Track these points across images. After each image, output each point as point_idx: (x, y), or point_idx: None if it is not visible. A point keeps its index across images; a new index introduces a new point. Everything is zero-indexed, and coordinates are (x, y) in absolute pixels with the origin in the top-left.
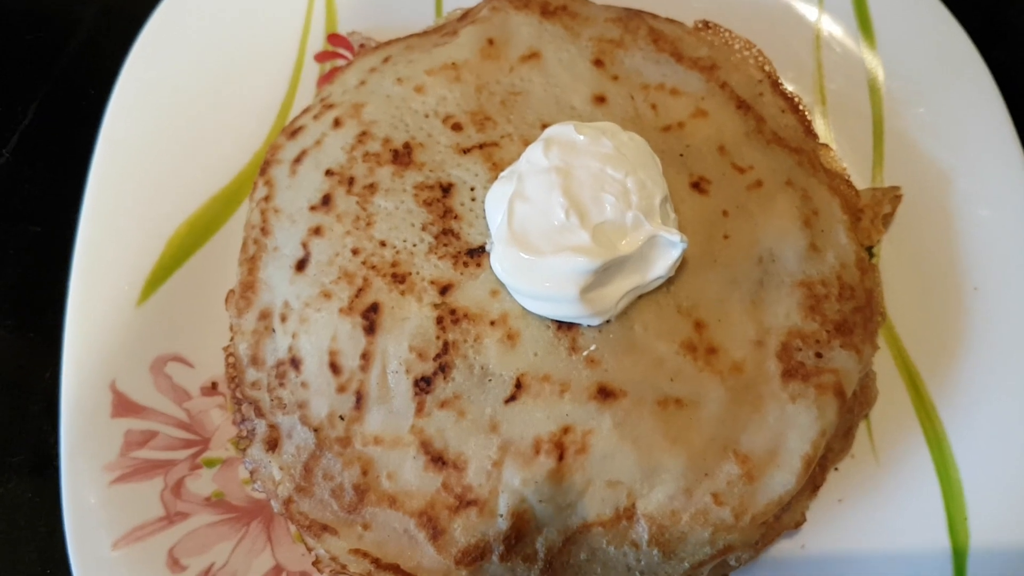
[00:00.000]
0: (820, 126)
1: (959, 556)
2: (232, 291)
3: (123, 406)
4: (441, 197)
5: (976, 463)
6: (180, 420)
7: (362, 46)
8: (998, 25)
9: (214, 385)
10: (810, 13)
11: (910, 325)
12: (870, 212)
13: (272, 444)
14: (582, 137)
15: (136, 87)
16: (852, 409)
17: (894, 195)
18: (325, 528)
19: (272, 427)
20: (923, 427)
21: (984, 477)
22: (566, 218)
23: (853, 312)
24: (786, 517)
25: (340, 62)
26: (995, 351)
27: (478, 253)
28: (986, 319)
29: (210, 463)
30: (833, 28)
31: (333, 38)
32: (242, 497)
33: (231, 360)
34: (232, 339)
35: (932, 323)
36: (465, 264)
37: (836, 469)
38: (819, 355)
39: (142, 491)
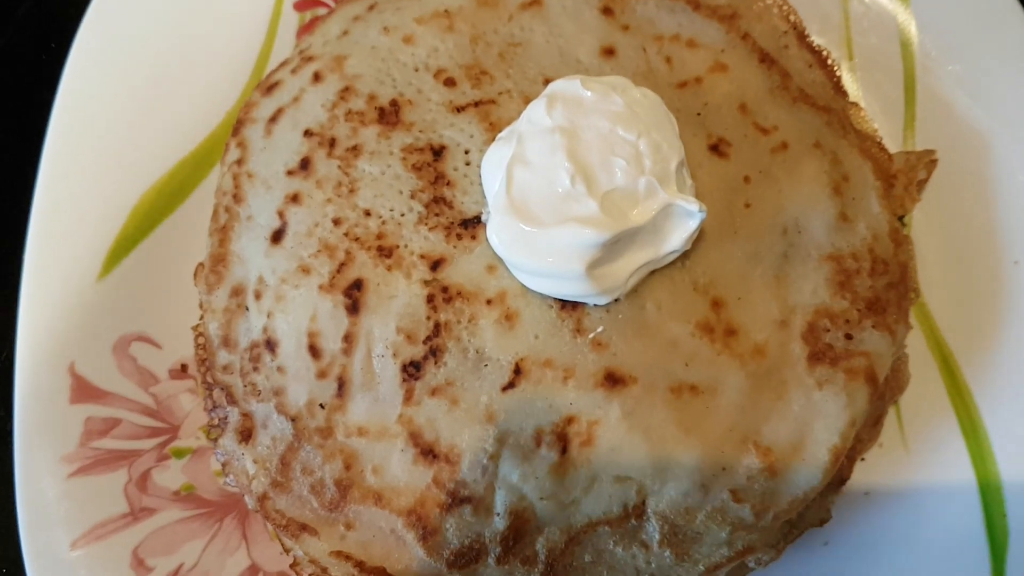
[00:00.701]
0: (847, 83)
1: (997, 556)
2: (201, 264)
3: (83, 391)
4: (432, 161)
5: (1015, 454)
6: (146, 406)
7: None
8: None
9: (183, 367)
10: None
11: (944, 302)
12: (904, 178)
13: (245, 434)
14: (589, 93)
15: (98, 38)
16: (883, 395)
17: (929, 159)
18: (304, 528)
19: (245, 416)
20: (957, 414)
21: None
22: (571, 185)
23: (886, 289)
24: (809, 514)
25: (322, 10)
26: None
27: (473, 224)
28: None
29: (179, 453)
30: None
31: None
32: (214, 490)
33: (201, 341)
34: (202, 317)
35: (968, 300)
36: (459, 236)
37: (863, 459)
38: (849, 336)
39: (104, 484)
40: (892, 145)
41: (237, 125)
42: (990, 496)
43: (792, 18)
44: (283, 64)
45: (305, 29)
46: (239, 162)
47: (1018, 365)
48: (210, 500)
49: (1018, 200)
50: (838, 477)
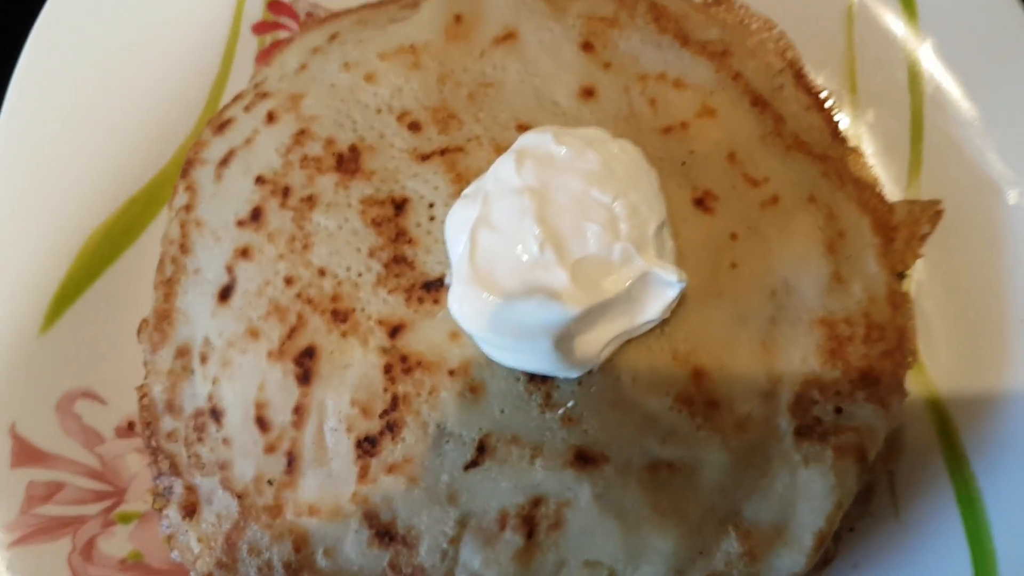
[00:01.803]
0: (849, 119)
1: None
2: (146, 320)
3: (24, 454)
4: (393, 216)
5: (1014, 529)
6: (91, 468)
7: (309, 15)
8: None
9: (131, 425)
10: None
11: (945, 364)
12: (905, 231)
13: (189, 509)
14: (563, 149)
15: (41, 66)
16: (873, 466)
17: (934, 211)
18: None
19: (189, 489)
20: (954, 483)
21: (1021, 545)
22: (540, 252)
23: (881, 357)
24: None
25: (283, 34)
26: None
27: (436, 287)
28: None
29: (126, 518)
30: (870, 3)
31: (274, 5)
32: (163, 558)
33: (145, 402)
34: (146, 377)
35: (971, 362)
36: (420, 300)
37: (852, 530)
38: (839, 410)
39: (47, 554)
40: (895, 188)
41: (186, 166)
42: (984, 573)
43: (789, 54)
44: (237, 98)
45: (265, 54)
46: (187, 208)
47: (1020, 433)
48: (158, 568)
49: None
50: (823, 558)
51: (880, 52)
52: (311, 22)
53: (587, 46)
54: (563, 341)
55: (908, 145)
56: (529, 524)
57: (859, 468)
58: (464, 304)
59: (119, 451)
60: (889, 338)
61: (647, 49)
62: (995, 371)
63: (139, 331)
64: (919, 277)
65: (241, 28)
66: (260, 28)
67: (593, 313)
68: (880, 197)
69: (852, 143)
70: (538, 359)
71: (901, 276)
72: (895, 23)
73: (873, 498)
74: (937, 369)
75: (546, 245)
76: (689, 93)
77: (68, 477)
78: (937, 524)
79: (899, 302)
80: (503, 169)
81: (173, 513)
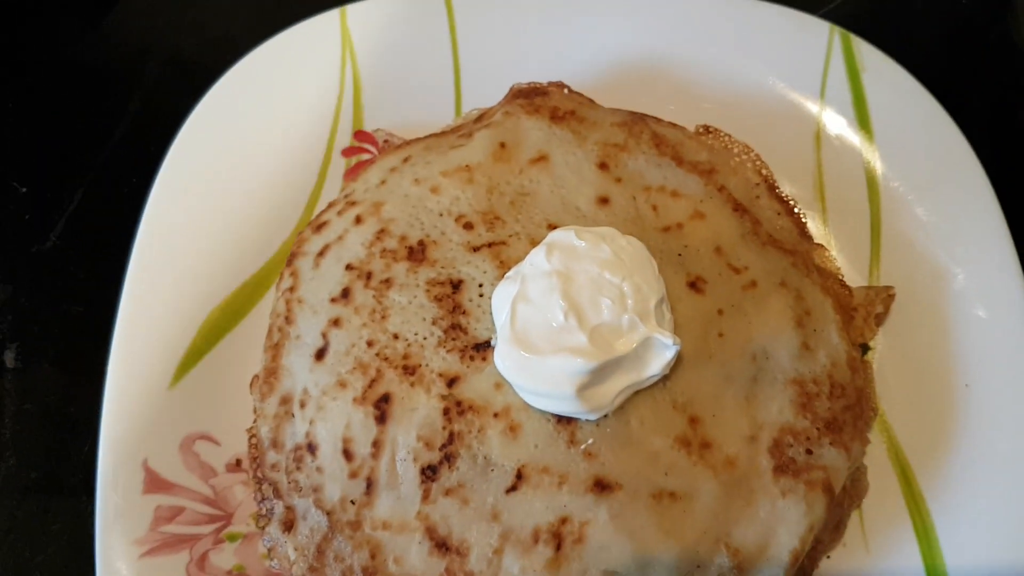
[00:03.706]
0: (819, 224)
1: None
2: (256, 376)
3: (154, 483)
4: (451, 293)
5: (962, 558)
6: (206, 496)
7: (386, 142)
8: (999, 129)
9: (238, 462)
10: (811, 116)
11: (903, 419)
12: (863, 311)
13: (288, 525)
14: (583, 243)
15: (175, 179)
16: (842, 503)
17: (887, 295)
18: None
19: (289, 508)
20: (912, 519)
21: (969, 572)
22: (565, 320)
23: (843, 410)
24: None
25: (365, 156)
26: (983, 447)
27: (484, 348)
28: (976, 415)
29: (232, 537)
30: (834, 130)
31: (359, 134)
32: (261, 570)
33: (254, 441)
34: (255, 421)
35: (924, 418)
36: (471, 358)
37: (828, 557)
38: (809, 452)
39: (169, 564)
40: (860, 279)
41: (291, 257)
42: None
43: (764, 172)
44: (331, 206)
45: (351, 173)
46: (291, 289)
47: (967, 476)
48: None
49: (970, 330)
50: (801, 573)
51: (843, 168)
52: (388, 148)
53: (603, 165)
54: (583, 390)
55: (869, 243)
56: (557, 538)
57: (827, 499)
58: (506, 360)
59: (228, 483)
60: (849, 395)
61: (650, 168)
62: (945, 426)
63: (251, 385)
64: (881, 350)
65: (333, 152)
66: (348, 152)
67: (607, 368)
68: (841, 283)
69: (820, 241)
70: (564, 404)
71: (865, 348)
72: (855, 144)
73: (846, 531)
74: (898, 424)
75: (570, 314)
76: (683, 201)
77: (187, 503)
78: (899, 554)
79: (857, 367)
80: (536, 257)
81: (274, 529)
